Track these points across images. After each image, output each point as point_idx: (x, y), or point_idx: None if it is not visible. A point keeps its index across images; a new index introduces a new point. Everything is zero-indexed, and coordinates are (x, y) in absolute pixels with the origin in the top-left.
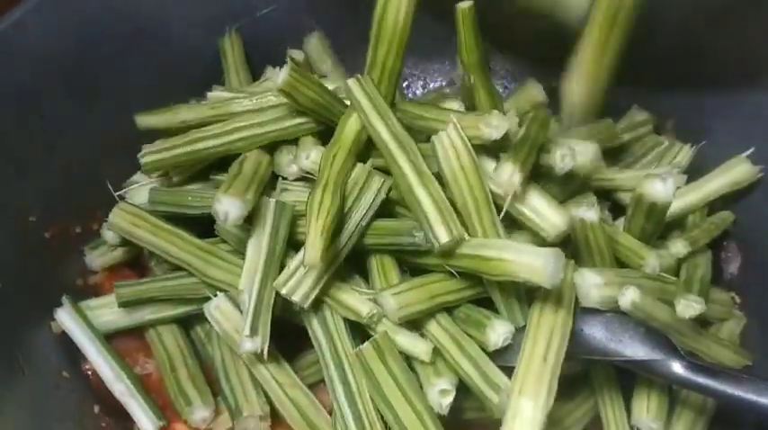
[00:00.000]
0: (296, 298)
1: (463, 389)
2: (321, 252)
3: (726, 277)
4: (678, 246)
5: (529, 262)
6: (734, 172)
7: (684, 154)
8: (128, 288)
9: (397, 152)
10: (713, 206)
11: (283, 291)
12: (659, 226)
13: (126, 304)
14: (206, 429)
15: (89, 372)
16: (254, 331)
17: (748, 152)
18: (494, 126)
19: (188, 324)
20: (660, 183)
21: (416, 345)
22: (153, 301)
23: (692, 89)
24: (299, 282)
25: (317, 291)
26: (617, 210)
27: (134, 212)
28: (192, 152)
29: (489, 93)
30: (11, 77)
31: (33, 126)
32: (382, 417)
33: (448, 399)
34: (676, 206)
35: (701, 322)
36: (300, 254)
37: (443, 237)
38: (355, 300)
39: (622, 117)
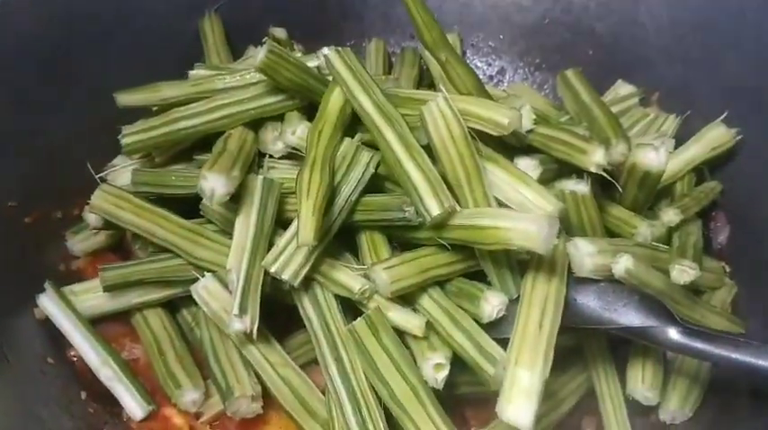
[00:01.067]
0: (286, 276)
1: (458, 363)
2: (314, 231)
3: (715, 247)
4: (670, 215)
5: (523, 228)
6: (711, 136)
7: (670, 123)
8: (112, 271)
9: (383, 124)
10: (701, 177)
11: (272, 270)
12: (651, 195)
13: (111, 288)
14: (196, 412)
15: (74, 358)
16: (242, 311)
17: (722, 116)
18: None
19: (174, 308)
20: (653, 152)
21: (409, 320)
22: (138, 284)
23: (676, 62)
24: (288, 261)
25: (306, 269)
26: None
27: (117, 194)
28: (173, 131)
29: (467, 69)
30: None
31: (14, 111)
32: (377, 394)
33: (443, 373)
34: None
35: (694, 291)
36: (289, 231)
37: (435, 209)
38: (346, 276)
39: (607, 90)
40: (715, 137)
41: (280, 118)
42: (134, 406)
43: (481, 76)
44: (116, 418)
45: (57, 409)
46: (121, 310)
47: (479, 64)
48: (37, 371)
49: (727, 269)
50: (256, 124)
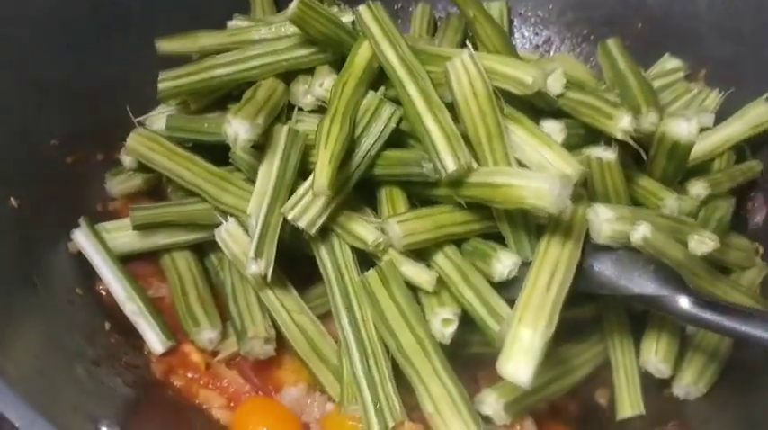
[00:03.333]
0: (302, 223)
1: (469, 322)
2: (330, 180)
3: (751, 227)
4: (699, 188)
5: (536, 186)
6: (752, 114)
7: (713, 99)
8: (142, 211)
9: (407, 79)
10: (742, 156)
11: (290, 216)
12: (681, 167)
13: (140, 227)
14: (213, 351)
15: (102, 292)
16: (258, 254)
17: (767, 95)
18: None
19: (203, 251)
20: (684, 123)
21: (420, 275)
22: (167, 226)
23: (727, 38)
24: (305, 209)
25: (323, 219)
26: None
27: (150, 137)
28: (207, 79)
29: (496, 28)
30: (40, 4)
31: (60, 53)
32: (385, 345)
33: (450, 329)
34: (698, 149)
35: (721, 269)
36: (309, 181)
37: (451, 165)
38: (362, 228)
39: (654, 63)
40: (756, 114)
41: (312, 71)
42: (155, 340)
43: (527, 46)
44: (137, 351)
45: (80, 337)
46: (150, 250)
47: (526, 33)
48: (64, 300)
49: (761, 250)
50: (289, 76)
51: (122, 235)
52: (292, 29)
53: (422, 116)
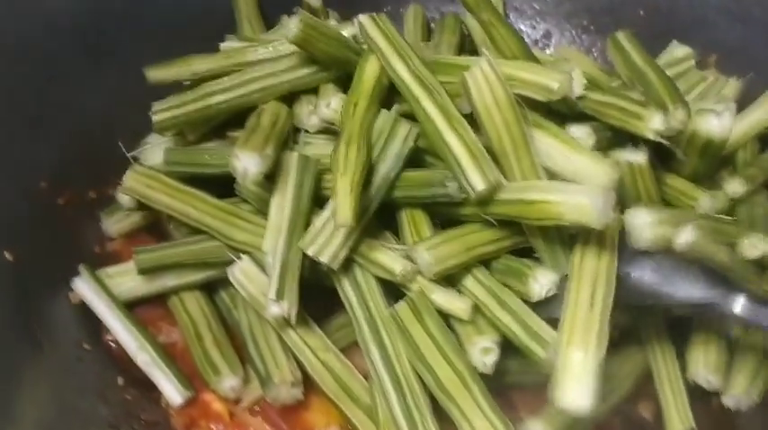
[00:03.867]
0: (324, 258)
1: (506, 347)
2: (353, 211)
3: None
4: (735, 185)
5: (576, 202)
6: None
7: (732, 87)
8: (147, 254)
9: (421, 94)
10: (765, 144)
11: (310, 252)
12: (713, 165)
13: (145, 271)
14: (235, 398)
15: (111, 343)
16: (279, 295)
17: None
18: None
19: (212, 289)
20: (715, 119)
21: (454, 303)
22: (174, 267)
23: (736, 22)
24: (326, 242)
25: (346, 251)
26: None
27: (149, 175)
28: (204, 107)
29: (511, 31)
30: (23, 34)
31: (45, 84)
32: (421, 379)
33: (491, 358)
34: None
35: (762, 268)
36: (326, 211)
37: (479, 184)
38: (387, 257)
39: (661, 53)
40: None
41: (315, 91)
42: (173, 391)
43: (525, 41)
44: (154, 404)
45: (93, 397)
46: (157, 294)
47: (523, 27)
48: (73, 358)
49: None
50: (291, 98)
51: (126, 280)
52: (290, 47)
53: (442, 133)
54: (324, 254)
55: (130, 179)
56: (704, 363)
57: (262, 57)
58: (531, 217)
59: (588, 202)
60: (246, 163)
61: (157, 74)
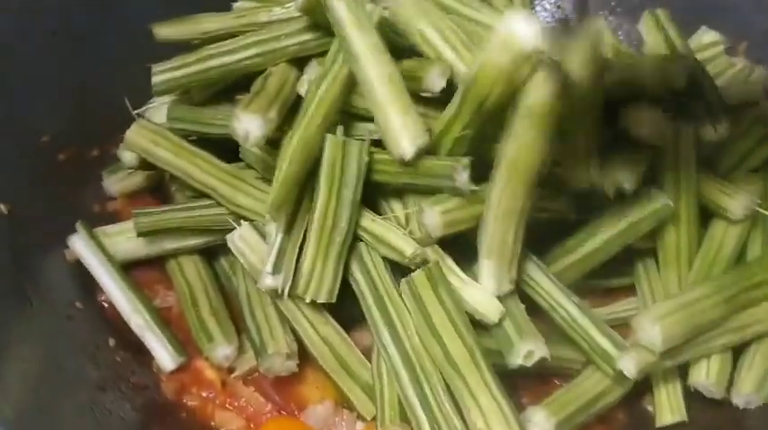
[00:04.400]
0: (322, 298)
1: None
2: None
3: None
4: None
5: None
6: None
7: (759, 74)
8: (147, 217)
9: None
10: None
11: (308, 298)
12: None
13: (145, 234)
14: (229, 367)
15: (105, 304)
16: (276, 268)
17: None
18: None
19: (212, 254)
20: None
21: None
22: (174, 231)
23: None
24: (320, 280)
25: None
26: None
27: (154, 130)
28: (205, 70)
29: None
30: None
31: (46, 42)
32: (432, 358)
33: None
34: None
35: None
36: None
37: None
38: (398, 238)
39: (689, 39)
40: None
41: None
42: (165, 356)
43: (549, 19)
44: (145, 368)
45: (82, 358)
46: (156, 256)
47: (548, 6)
48: (63, 316)
49: None
50: (301, 62)
51: (124, 239)
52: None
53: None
54: (321, 294)
55: (134, 134)
56: (706, 375)
57: (276, 18)
58: None
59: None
60: (248, 125)
61: (166, 31)
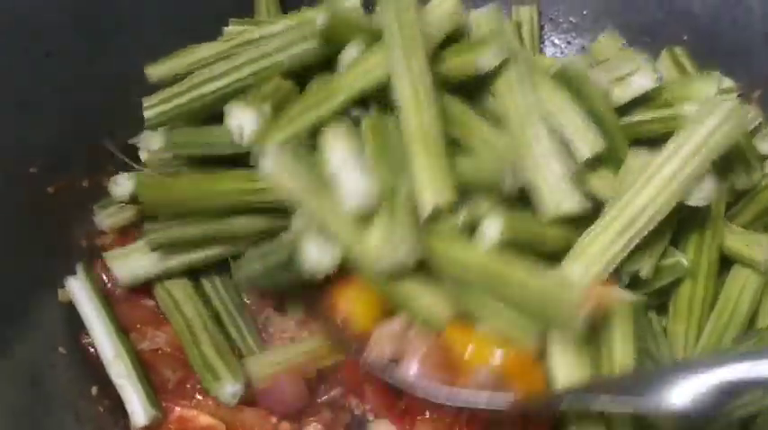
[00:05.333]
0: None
1: None
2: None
3: None
4: None
5: None
6: None
7: None
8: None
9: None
10: None
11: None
12: None
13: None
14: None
15: (90, 348)
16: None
17: None
18: None
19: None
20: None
21: None
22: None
23: None
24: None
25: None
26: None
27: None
28: (197, 98)
29: None
30: (17, 12)
31: (39, 65)
32: None
33: None
34: None
35: None
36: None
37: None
38: None
39: None
40: None
41: (328, 65)
42: (139, 410)
43: (558, 55)
44: (128, 420)
45: (62, 413)
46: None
47: (557, 41)
48: (45, 364)
49: None
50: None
51: (137, 257)
52: (285, 23)
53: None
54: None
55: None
56: None
57: (267, 33)
58: None
59: None
60: (241, 119)
61: (158, 71)
